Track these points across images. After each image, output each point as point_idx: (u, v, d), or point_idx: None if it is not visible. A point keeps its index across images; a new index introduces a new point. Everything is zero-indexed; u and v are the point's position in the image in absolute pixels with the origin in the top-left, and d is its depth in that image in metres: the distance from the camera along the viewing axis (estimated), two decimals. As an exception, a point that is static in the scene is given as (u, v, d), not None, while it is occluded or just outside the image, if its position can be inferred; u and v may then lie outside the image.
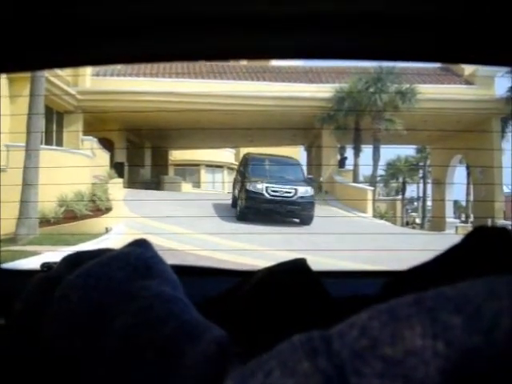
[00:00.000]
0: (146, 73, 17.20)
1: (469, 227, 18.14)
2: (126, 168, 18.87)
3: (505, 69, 14.36)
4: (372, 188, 18.50)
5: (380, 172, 25.31)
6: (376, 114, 17.72)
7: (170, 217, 10.98)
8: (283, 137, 20.35)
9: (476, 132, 17.18)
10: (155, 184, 20.11)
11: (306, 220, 13.94)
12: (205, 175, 27.75)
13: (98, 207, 12.52)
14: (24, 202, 10.43)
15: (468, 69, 17.96)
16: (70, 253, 0.84)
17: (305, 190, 14.38)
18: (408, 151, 30.07)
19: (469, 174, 21.42)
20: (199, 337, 0.60)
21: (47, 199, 11.17)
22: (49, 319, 0.70)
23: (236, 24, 0.97)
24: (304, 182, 15.20)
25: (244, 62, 18.48)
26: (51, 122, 15.50)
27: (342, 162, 20.95)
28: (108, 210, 12.70)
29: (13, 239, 9.89)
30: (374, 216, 17.79)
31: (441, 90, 17.64)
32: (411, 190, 31.68)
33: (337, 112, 17.78)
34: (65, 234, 10.36)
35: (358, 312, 0.41)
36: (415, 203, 32.47)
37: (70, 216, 11.73)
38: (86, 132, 16.28)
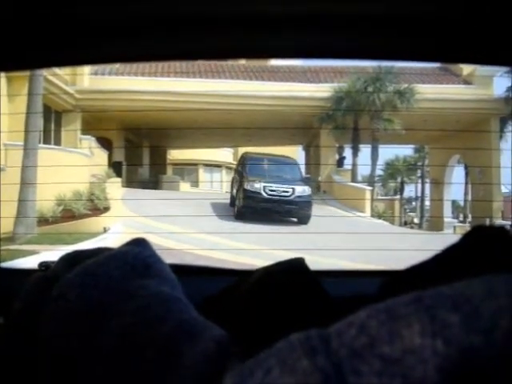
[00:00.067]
0: (144, 72, 17.19)
1: (467, 227, 18.17)
2: (124, 167, 18.87)
3: (503, 68, 14.38)
4: (370, 188, 18.52)
5: (378, 172, 25.34)
6: (374, 113, 17.73)
7: (168, 216, 10.98)
8: (282, 136, 20.35)
9: (474, 132, 17.19)
10: (153, 183, 20.10)
11: (303, 219, 14.00)
12: (203, 174, 27.76)
13: (96, 206, 12.51)
14: (22, 201, 10.42)
15: (466, 68, 17.97)
16: (67, 252, 0.84)
17: (302, 190, 14.43)
18: (406, 151, 30.12)
19: (467, 174, 21.44)
20: (198, 336, 0.60)
21: (45, 198, 11.16)
22: (46, 318, 0.70)
23: (235, 23, 0.97)
24: (301, 181, 15.24)
25: (243, 62, 18.47)
26: (49, 121, 15.49)
27: (340, 162, 20.98)
28: (106, 209, 12.69)
29: (11, 238, 9.88)
30: (372, 216, 17.81)
31: (439, 89, 17.65)
32: (409, 190, 31.76)
33: (335, 111, 17.78)
34: (63, 233, 10.35)
35: (356, 311, 0.41)
36: (413, 203, 32.51)
37: (68, 215, 11.72)
38: (85, 131, 16.27)
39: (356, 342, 0.38)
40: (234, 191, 15.41)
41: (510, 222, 17.75)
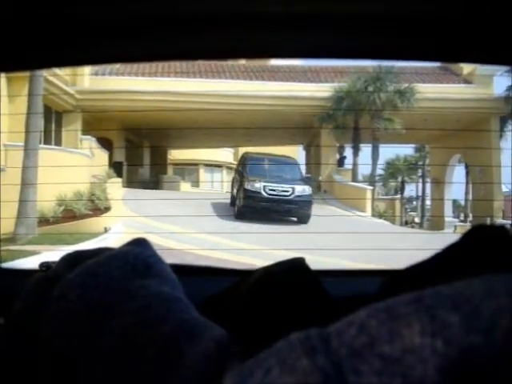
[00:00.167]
0: (144, 72, 17.19)
1: (467, 226, 18.14)
2: (125, 167, 18.87)
3: (503, 68, 14.36)
4: (371, 187, 18.52)
5: (379, 171, 25.35)
6: (375, 113, 17.72)
7: (169, 216, 10.98)
8: (282, 136, 20.35)
9: (475, 131, 17.18)
10: (154, 183, 20.11)
11: (303, 219, 14.04)
12: (203, 174, 27.76)
13: (97, 207, 12.52)
14: (23, 202, 10.42)
15: (467, 68, 17.96)
16: (68, 252, 0.84)
17: (302, 189, 14.46)
18: (407, 150, 30.12)
19: (468, 173, 21.43)
20: (199, 336, 0.60)
21: (46, 199, 11.16)
22: (47, 318, 0.70)
23: (235, 23, 0.97)
24: (301, 181, 15.27)
25: (243, 62, 18.47)
26: (50, 122, 15.49)
27: (340, 161, 20.96)
28: (107, 209, 12.70)
29: (12, 239, 9.89)
30: (373, 215, 17.81)
31: (439, 89, 17.64)
32: (410, 190, 31.75)
33: (336, 111, 17.78)
34: (64, 233, 10.36)
35: (356, 311, 0.41)
36: (414, 202, 32.51)
37: (69, 215, 11.73)
38: (85, 131, 16.27)
39: (356, 341, 0.38)
40: (235, 191, 15.44)
41: (510, 222, 17.73)
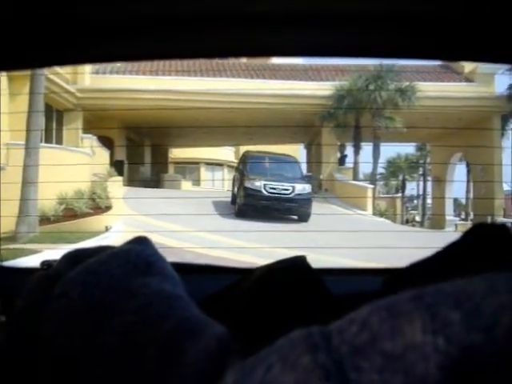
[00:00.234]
0: (145, 70, 17.20)
1: (468, 225, 18.13)
2: (126, 166, 18.88)
3: (505, 66, 14.35)
4: (372, 186, 18.51)
5: (380, 170, 25.35)
6: (376, 111, 17.72)
7: (170, 214, 10.99)
8: (283, 135, 20.35)
9: (476, 129, 17.17)
10: (155, 182, 20.12)
11: (303, 217, 14.09)
12: (205, 173, 27.77)
13: (98, 205, 12.53)
14: (24, 200, 10.44)
15: (468, 66, 17.95)
16: (69, 250, 0.84)
17: (302, 188, 14.49)
18: (408, 149, 30.10)
19: (469, 172, 21.41)
20: (200, 333, 0.60)
21: (47, 197, 11.18)
22: (48, 316, 0.70)
23: (236, 22, 0.97)
24: (301, 179, 15.31)
25: (244, 60, 18.47)
26: (51, 120, 15.50)
27: (341, 160, 20.96)
28: (108, 208, 12.71)
29: (13, 237, 9.90)
30: (374, 214, 17.81)
31: (441, 87, 17.64)
32: (411, 188, 31.72)
33: (337, 110, 17.78)
34: (65, 232, 10.37)
35: (358, 309, 0.41)
36: (415, 201, 32.50)
37: (70, 214, 11.74)
38: (86, 130, 16.29)
39: (357, 338, 0.38)
40: (236, 189, 15.47)
41: (511, 220, 17.72)
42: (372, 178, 20.18)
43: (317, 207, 14.17)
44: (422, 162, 29.09)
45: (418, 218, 26.95)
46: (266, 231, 10.65)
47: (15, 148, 11.02)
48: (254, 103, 17.09)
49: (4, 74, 9.60)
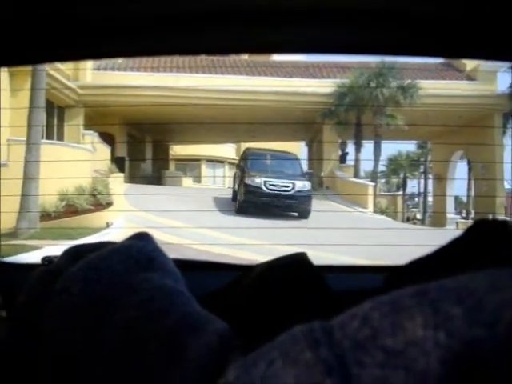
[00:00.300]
0: (146, 67, 17.18)
1: (469, 223, 18.10)
2: (127, 162, 18.88)
3: (507, 64, 14.32)
4: (373, 183, 18.50)
5: (381, 167, 25.29)
6: (377, 109, 17.69)
7: (171, 211, 10.99)
8: (284, 132, 20.34)
9: (477, 127, 17.16)
10: (156, 178, 20.13)
11: (303, 213, 14.10)
12: (206, 170, 27.76)
13: (99, 201, 12.53)
14: (25, 196, 10.44)
15: (470, 64, 17.92)
16: (71, 246, 0.85)
17: (302, 185, 14.50)
18: (409, 147, 30.01)
19: (470, 170, 21.39)
20: (201, 329, 0.60)
21: (48, 193, 11.18)
22: (50, 312, 0.70)
23: (237, 18, 0.97)
24: (302, 176, 15.31)
25: (245, 57, 18.46)
26: (52, 116, 15.50)
27: (343, 158, 20.93)
28: (109, 204, 12.72)
29: (14, 233, 9.90)
30: (375, 211, 17.80)
31: (442, 85, 17.62)
32: (412, 186, 31.67)
33: (338, 107, 17.76)
34: (66, 228, 10.37)
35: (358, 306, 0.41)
36: (416, 199, 32.46)
37: (71, 210, 11.75)
38: (87, 126, 16.28)
39: (359, 333, 0.38)
40: (236, 186, 15.48)
41: (512, 218, 17.72)
42: (373, 176, 20.17)
43: (317, 204, 14.16)
44: (423, 159, 29.06)
45: (418, 216, 26.93)
46: (266, 228, 10.66)
47: (16, 144, 11.03)
48: (255, 100, 17.07)
49: (5, 69, 9.59)
